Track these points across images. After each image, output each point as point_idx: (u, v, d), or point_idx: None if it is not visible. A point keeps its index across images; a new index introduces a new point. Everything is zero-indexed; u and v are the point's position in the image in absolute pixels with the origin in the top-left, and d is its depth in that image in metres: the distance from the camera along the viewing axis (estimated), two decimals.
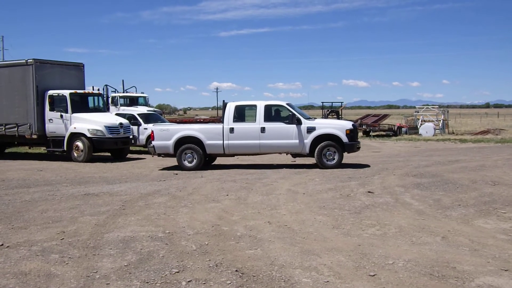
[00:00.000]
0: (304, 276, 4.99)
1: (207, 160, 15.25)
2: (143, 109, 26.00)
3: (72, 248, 6.06)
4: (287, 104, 14.38)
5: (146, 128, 21.03)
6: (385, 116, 40.43)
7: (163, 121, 23.10)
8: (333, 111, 35.31)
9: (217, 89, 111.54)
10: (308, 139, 13.77)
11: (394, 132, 33.71)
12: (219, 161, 16.16)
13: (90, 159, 17.28)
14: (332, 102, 39.69)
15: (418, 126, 34.89)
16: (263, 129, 13.93)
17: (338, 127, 13.99)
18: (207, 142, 14.23)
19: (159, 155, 15.04)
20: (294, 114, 13.94)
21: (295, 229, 6.85)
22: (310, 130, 13.81)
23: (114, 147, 18.16)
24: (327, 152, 13.74)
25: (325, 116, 32.98)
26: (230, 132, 14.10)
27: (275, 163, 15.37)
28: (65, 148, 17.60)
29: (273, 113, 14.36)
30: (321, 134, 13.77)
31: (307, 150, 13.85)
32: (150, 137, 15.08)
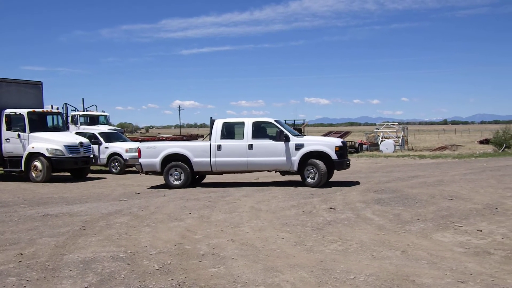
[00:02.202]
0: None
1: (197, 178, 15.12)
2: (104, 128, 25.62)
3: (30, 270, 5.88)
4: (275, 121, 14.10)
5: (107, 147, 20.74)
6: (346, 133, 41.17)
7: (124, 140, 22.82)
8: (296, 129, 35.65)
9: (179, 107, 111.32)
10: (297, 156, 13.46)
11: (355, 149, 34.29)
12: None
13: (49, 179, 16.83)
14: (294, 120, 40.10)
15: (379, 143, 35.64)
16: (250, 146, 13.70)
17: (327, 144, 13.65)
18: (194, 159, 14.00)
19: (146, 173, 14.80)
20: (282, 131, 13.65)
21: (258, 247, 6.86)
22: (298, 147, 13.50)
23: (74, 167, 17.75)
24: (310, 170, 13.42)
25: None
26: (218, 149, 13.86)
27: (238, 181, 15.36)
28: (22, 168, 17.10)
29: (261, 130, 14.09)
30: (309, 151, 13.45)
31: (295, 167, 13.53)
32: (137, 155, 14.82)
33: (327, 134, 39.76)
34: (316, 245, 6.91)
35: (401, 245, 6.77)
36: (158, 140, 31.16)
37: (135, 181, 17.08)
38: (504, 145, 30.83)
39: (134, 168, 21.49)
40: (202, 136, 35.25)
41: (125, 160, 20.35)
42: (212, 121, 14.33)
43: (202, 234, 7.72)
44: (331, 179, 13.96)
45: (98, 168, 21.63)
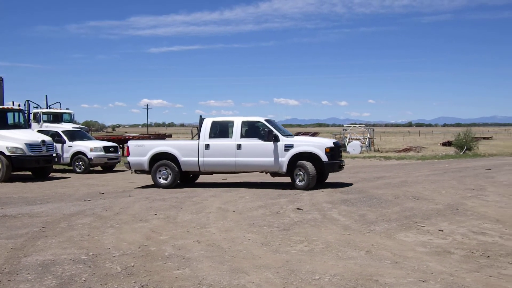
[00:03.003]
0: None
1: (190, 177, 14.92)
2: (68, 126, 25.10)
3: None
4: (265, 120, 13.62)
5: (70, 146, 20.30)
6: (315, 134, 41.56)
7: (89, 139, 22.39)
8: None
9: (147, 106, 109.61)
10: (286, 157, 12.96)
11: None
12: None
13: (8, 178, 16.34)
14: None
15: (346, 144, 36.07)
16: (239, 146, 13.28)
17: (318, 145, 13.13)
18: (182, 159, 13.70)
19: (135, 171, 14.52)
20: (271, 131, 13.13)
21: (224, 248, 6.82)
22: (287, 147, 13.00)
23: (35, 166, 17.28)
24: (298, 172, 12.94)
25: None
26: (206, 149, 13.52)
27: (207, 181, 15.27)
28: None
29: (250, 130, 13.70)
30: (299, 152, 12.94)
31: (284, 169, 13.05)
32: (126, 153, 14.54)
33: (296, 135, 39.95)
34: (283, 245, 6.92)
35: (365, 245, 6.84)
36: (125, 139, 30.68)
37: (99, 180, 16.76)
38: (465, 147, 31.65)
39: (99, 168, 21.16)
40: (170, 136, 34.88)
41: (89, 159, 19.96)
42: (201, 120, 14.00)
43: (167, 235, 7.62)
44: (326, 181, 13.91)
45: (62, 167, 21.16)
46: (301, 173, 12.85)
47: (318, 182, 13.31)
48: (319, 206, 10.00)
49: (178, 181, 14.20)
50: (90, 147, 20.21)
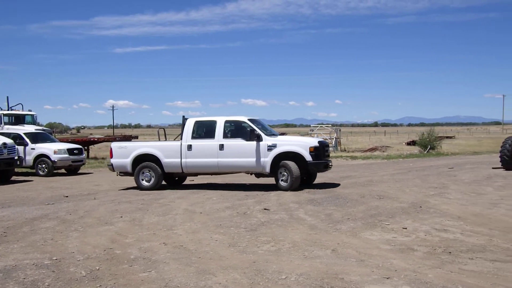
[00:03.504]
0: None
1: (176, 179, 14.70)
2: (31, 128, 24.52)
3: None
4: (249, 119, 13.25)
5: (33, 148, 19.84)
6: (282, 134, 41.69)
7: (53, 141, 21.92)
8: None
9: (113, 107, 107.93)
10: (269, 157, 12.64)
11: None
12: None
13: None
14: None
15: None
16: (221, 146, 12.97)
17: (301, 144, 12.77)
18: (164, 160, 13.44)
19: (119, 173, 14.23)
20: (253, 130, 12.81)
21: (191, 249, 6.79)
22: (270, 147, 12.68)
23: None
24: (282, 173, 12.62)
25: None
26: (188, 150, 13.24)
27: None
28: None
29: (233, 129, 13.39)
30: (282, 152, 12.63)
31: (267, 169, 12.71)
32: (109, 155, 14.32)
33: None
34: (250, 246, 6.94)
35: (331, 244, 6.93)
36: (90, 141, 30.14)
37: (63, 184, 16.42)
38: (429, 146, 32.40)
39: (63, 170, 20.73)
40: (136, 137, 34.42)
41: (53, 162, 19.54)
42: (184, 120, 13.74)
43: (133, 238, 7.54)
44: (315, 182, 13.75)
45: (24, 170, 20.65)
46: (285, 173, 12.55)
47: (305, 183, 13.28)
48: (286, 206, 10.06)
49: (165, 183, 14.11)
50: (53, 149, 19.79)
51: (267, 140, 12.79)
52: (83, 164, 21.43)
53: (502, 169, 17.29)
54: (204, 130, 13.66)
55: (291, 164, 12.43)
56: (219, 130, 13.16)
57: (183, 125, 13.69)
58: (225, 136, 13.14)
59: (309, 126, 55.38)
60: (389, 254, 6.37)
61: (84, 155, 21.68)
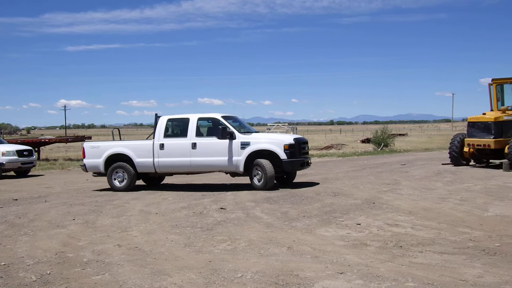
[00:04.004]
0: None
1: (155, 179, 14.32)
2: None
3: None
4: (222, 116, 12.85)
5: None
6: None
7: (1, 142, 21.14)
8: None
9: (65, 107, 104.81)
10: (242, 155, 12.26)
11: None
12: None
13: None
14: None
15: None
16: (194, 145, 12.56)
17: (275, 142, 12.34)
18: (137, 160, 13.03)
19: (93, 174, 13.76)
20: (225, 128, 12.38)
21: (146, 250, 6.71)
22: (244, 145, 12.28)
23: None
24: (256, 172, 12.24)
25: None
26: (160, 149, 12.82)
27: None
28: None
29: (206, 127, 13.03)
30: (256, 150, 12.25)
31: (240, 168, 12.36)
32: (82, 155, 13.84)
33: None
34: (206, 245, 6.92)
35: (287, 242, 7.00)
36: (41, 142, 29.24)
37: (12, 186, 15.85)
38: (382, 144, 33.19)
39: (12, 173, 20.01)
40: (90, 138, 33.67)
41: (1, 164, 18.83)
42: (157, 118, 13.26)
43: (86, 241, 7.38)
44: (295, 180, 13.51)
45: None
46: (259, 172, 12.17)
47: (284, 182, 13.11)
48: (243, 205, 10.09)
49: (144, 184, 13.90)
50: (1, 151, 19.06)
51: (240, 138, 12.41)
52: (34, 166, 20.76)
53: (451, 165, 17.94)
54: (177, 128, 13.31)
55: (265, 163, 12.08)
56: (192, 128, 12.77)
57: (155, 123, 13.25)
58: (198, 134, 12.78)
59: (266, 125, 55.69)
60: (343, 250, 6.50)
61: (34, 156, 21.00)
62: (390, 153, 29.19)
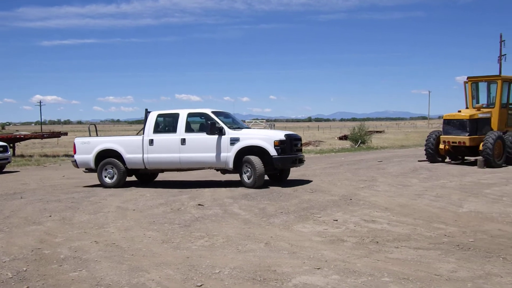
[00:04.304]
0: None
1: (149, 175, 14.04)
2: None
3: None
4: (212, 111, 12.56)
5: None
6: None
7: None
8: None
9: (40, 102, 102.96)
10: (231, 152, 11.96)
11: None
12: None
13: None
14: None
15: None
16: (183, 141, 12.28)
17: (265, 137, 12.03)
18: (126, 156, 12.76)
19: (85, 170, 13.51)
20: (214, 123, 12.07)
21: (124, 247, 6.68)
22: (233, 141, 11.97)
23: None
24: (246, 169, 11.97)
25: None
26: (150, 144, 12.57)
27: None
28: None
29: (195, 123, 12.69)
30: (245, 147, 11.96)
31: (230, 165, 12.05)
32: (73, 151, 13.54)
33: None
34: (183, 242, 6.92)
35: (265, 238, 7.04)
36: (16, 138, 28.73)
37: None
38: (360, 140, 33.52)
39: None
40: (66, 134, 33.24)
41: None
42: (147, 113, 13.07)
43: (63, 237, 7.30)
44: (289, 177, 13.31)
45: None
46: (249, 169, 11.88)
47: (277, 179, 12.94)
48: (221, 202, 10.10)
49: (136, 180, 13.72)
50: None
51: (229, 134, 12.10)
52: (9, 162, 20.39)
53: (427, 162, 18.24)
54: (167, 123, 13.10)
55: (255, 160, 11.77)
56: (181, 123, 12.49)
57: (145, 118, 13.03)
58: (188, 130, 12.49)
59: (244, 121, 55.77)
60: (320, 246, 6.57)
61: (9, 152, 20.62)
62: (367, 150, 29.49)
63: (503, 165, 16.59)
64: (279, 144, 11.85)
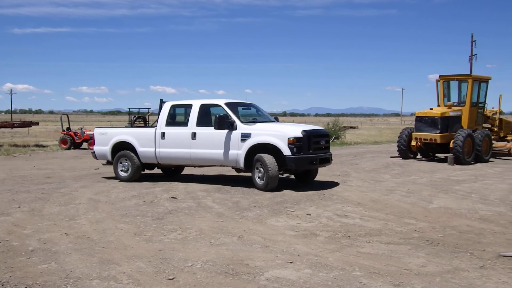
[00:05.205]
0: (101, 286, 4.83)
1: (172, 169, 13.27)
2: None
3: None
4: (225, 103, 11.36)
5: None
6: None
7: None
8: (140, 117, 34.87)
9: (11, 91, 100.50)
10: (242, 149, 10.67)
11: None
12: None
13: None
14: (139, 108, 39.02)
15: None
16: (194, 135, 11.28)
17: (278, 134, 10.50)
18: (140, 149, 12.07)
19: (107, 162, 12.93)
20: (223, 116, 10.81)
21: (95, 239, 6.58)
22: (244, 137, 10.69)
23: None
24: (258, 168, 10.56)
25: (132, 123, 32.02)
26: (162, 138, 11.77)
27: (77, 173, 14.52)
28: None
29: (208, 115, 11.55)
30: (257, 143, 10.58)
31: (241, 163, 10.75)
32: (92, 142, 13.04)
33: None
34: (156, 234, 6.87)
35: (238, 231, 7.04)
36: None
37: None
38: (334, 136, 33.77)
39: None
40: (37, 123, 32.52)
41: None
42: (161, 104, 12.28)
43: (32, 229, 7.16)
44: (316, 178, 11.91)
45: None
46: (261, 169, 10.50)
47: (302, 181, 11.67)
48: (194, 195, 10.05)
49: (162, 173, 13.24)
50: None
51: (241, 129, 10.83)
52: None
53: (399, 158, 18.51)
54: (179, 116, 12.27)
55: (268, 159, 10.34)
56: (193, 116, 11.49)
57: (160, 109, 12.24)
58: (200, 123, 11.40)
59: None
60: (293, 240, 6.61)
61: None
62: (341, 145, 29.72)
63: (472, 162, 16.97)
64: (294, 142, 10.27)
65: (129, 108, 39.33)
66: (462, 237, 6.87)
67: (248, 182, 11.16)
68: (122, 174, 12.36)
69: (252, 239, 6.63)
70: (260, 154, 10.46)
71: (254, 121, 11.44)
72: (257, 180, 10.61)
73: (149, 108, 40.46)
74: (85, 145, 23.86)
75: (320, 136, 11.13)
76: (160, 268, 5.35)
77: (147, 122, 34.91)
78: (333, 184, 11.49)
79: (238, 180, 12.06)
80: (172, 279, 5.02)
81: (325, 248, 6.21)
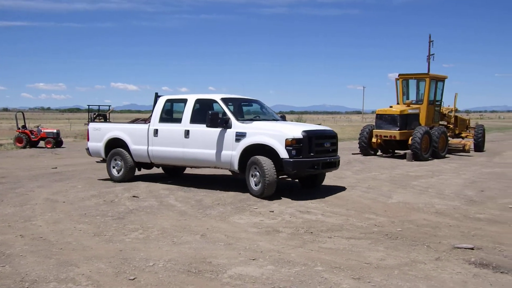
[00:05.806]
0: None
1: (173, 169, 12.31)
2: None
3: None
4: (221, 98, 10.36)
5: None
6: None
7: None
8: (100, 115, 34.26)
9: None
10: (236, 150, 9.64)
11: None
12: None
13: None
14: (99, 105, 38.33)
15: None
16: (187, 133, 10.33)
17: (275, 134, 9.36)
18: (132, 146, 11.26)
19: (102, 160, 12.01)
20: (217, 113, 9.84)
21: (52, 241, 6.39)
22: (239, 137, 9.63)
23: None
24: (254, 172, 9.45)
25: (92, 120, 31.38)
26: (154, 135, 10.89)
27: (34, 173, 14.08)
28: None
29: (202, 111, 10.37)
30: (252, 144, 9.51)
31: (235, 166, 9.73)
32: (86, 137, 12.26)
33: (134, 121, 38.87)
34: (116, 234, 6.73)
35: (201, 229, 6.98)
36: None
37: None
38: None
39: None
40: None
41: None
42: (156, 98, 11.40)
43: None
44: (324, 182, 10.85)
45: None
46: (257, 173, 9.39)
47: (307, 186, 10.63)
48: (156, 193, 9.92)
49: (165, 173, 12.56)
50: None
51: (236, 127, 9.78)
52: None
53: (360, 155, 18.83)
54: (173, 111, 11.37)
55: (264, 161, 9.23)
56: (187, 112, 10.55)
57: (154, 104, 11.40)
58: (194, 120, 10.41)
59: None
60: (256, 237, 6.61)
61: None
62: None
63: (430, 158, 17.45)
64: (293, 144, 9.12)
65: (88, 106, 38.54)
66: (419, 230, 7.04)
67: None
68: (115, 173, 11.58)
69: (215, 237, 6.59)
70: (256, 156, 9.38)
71: (254, 119, 10.53)
72: (252, 185, 9.53)
73: (109, 106, 39.72)
74: (41, 143, 23.18)
75: (325, 137, 10.03)
76: (120, 269, 5.24)
77: (108, 120, 34.35)
78: (295, 181, 11.55)
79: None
80: (133, 279, 4.93)
81: (288, 244, 6.24)
